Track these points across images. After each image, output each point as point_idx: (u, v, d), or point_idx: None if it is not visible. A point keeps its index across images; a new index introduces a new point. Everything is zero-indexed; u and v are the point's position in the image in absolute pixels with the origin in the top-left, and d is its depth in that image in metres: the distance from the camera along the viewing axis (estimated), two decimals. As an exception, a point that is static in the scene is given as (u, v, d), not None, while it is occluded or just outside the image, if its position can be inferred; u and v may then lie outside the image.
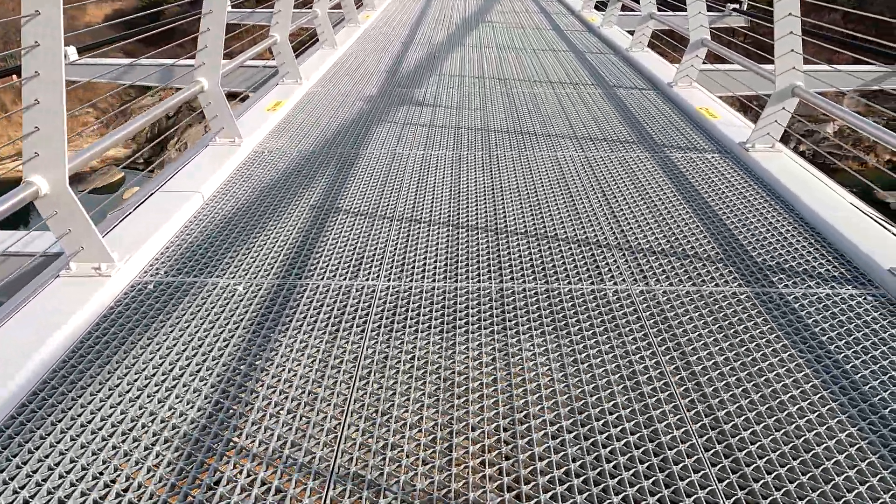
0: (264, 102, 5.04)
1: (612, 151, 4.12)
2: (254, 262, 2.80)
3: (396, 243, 2.96)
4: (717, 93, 5.60)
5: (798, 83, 3.69)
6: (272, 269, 2.75)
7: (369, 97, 5.43)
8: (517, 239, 3.01)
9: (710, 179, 3.67)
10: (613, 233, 3.07)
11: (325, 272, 2.72)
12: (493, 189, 3.57)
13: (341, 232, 3.07)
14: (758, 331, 2.32)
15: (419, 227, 3.12)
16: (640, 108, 5.03)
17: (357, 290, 2.59)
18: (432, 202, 3.39)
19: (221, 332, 2.32)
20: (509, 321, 2.39)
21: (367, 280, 2.66)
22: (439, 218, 3.22)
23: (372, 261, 2.80)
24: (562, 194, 3.49)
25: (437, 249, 2.92)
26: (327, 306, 2.48)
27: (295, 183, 3.65)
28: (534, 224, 3.17)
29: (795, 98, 3.74)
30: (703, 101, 5.03)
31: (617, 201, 3.42)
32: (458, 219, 3.20)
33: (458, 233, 3.07)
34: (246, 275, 2.69)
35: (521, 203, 3.39)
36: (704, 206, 3.35)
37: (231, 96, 4.97)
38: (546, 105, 5.17)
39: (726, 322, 2.37)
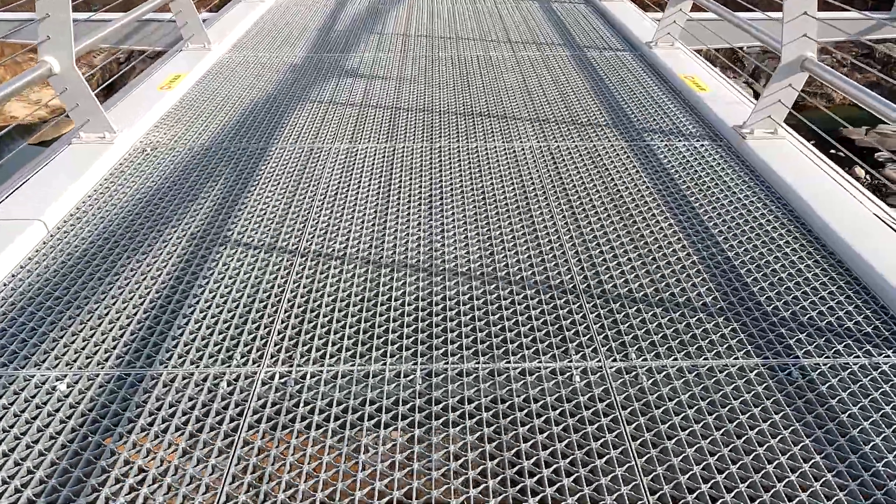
0: (158, 78, 4.16)
1: (579, 139, 3.41)
2: (90, 341, 2.05)
3: (294, 303, 2.24)
4: (708, 45, 4.92)
5: (809, 54, 3.02)
6: (114, 352, 2.01)
7: (292, 67, 4.58)
8: (459, 278, 2.33)
9: (698, 177, 3.00)
10: (579, 257, 2.40)
11: (185, 358, 1.99)
12: (431, 201, 2.85)
13: (221, 283, 2.33)
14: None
15: (330, 269, 2.40)
16: (613, 78, 4.30)
17: (228, 386, 1.88)
18: (350, 228, 2.66)
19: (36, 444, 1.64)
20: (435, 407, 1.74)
21: (246, 366, 1.95)
22: (359, 253, 2.50)
23: (255, 337, 2.08)
24: (517, 203, 2.79)
25: (351, 317, 2.21)
26: (184, 409, 1.78)
27: (176, 198, 2.86)
28: (483, 250, 2.47)
29: (805, 73, 3.09)
30: (688, 67, 4.32)
31: (582, 205, 2.74)
32: (383, 255, 2.49)
33: (379, 284, 2.35)
34: (74, 364, 1.95)
35: (466, 222, 2.68)
36: (692, 214, 2.69)
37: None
38: (503, 75, 4.40)
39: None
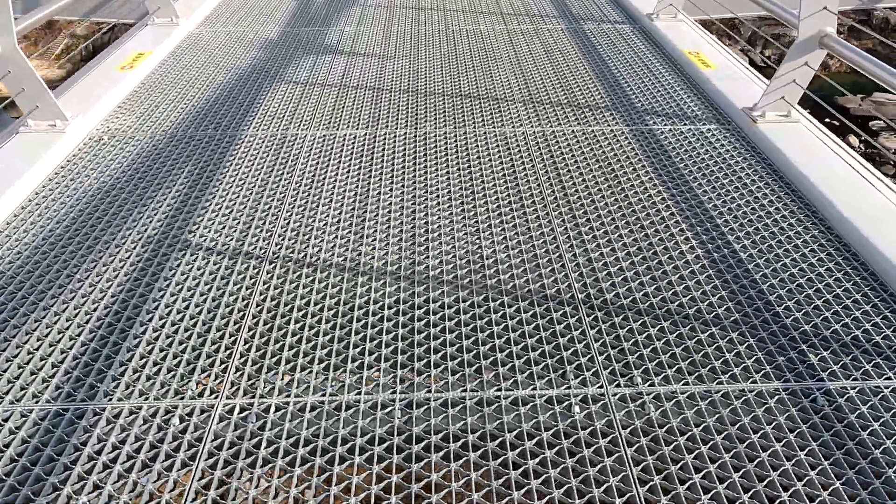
0: (119, 57, 3.86)
1: (576, 124, 3.16)
2: (25, 368, 1.81)
3: (260, 320, 2.00)
4: (711, 15, 4.65)
5: (829, 30, 2.78)
6: (52, 381, 1.77)
7: (267, 43, 4.27)
8: (445, 288, 2.09)
9: (706, 166, 2.77)
10: (577, 261, 2.17)
11: (133, 388, 1.76)
12: (415, 199, 2.60)
13: (178, 297, 2.08)
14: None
15: (301, 279, 2.16)
16: (612, 54, 4.02)
17: (181, 422, 1.65)
18: (325, 230, 2.42)
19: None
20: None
21: (202, 398, 1.72)
22: (333, 259, 2.26)
23: (214, 362, 1.85)
24: (509, 199, 2.55)
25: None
26: (129, 452, 1.56)
27: (133, 195, 2.60)
28: (471, 252, 2.24)
29: (823, 50, 2.85)
30: (692, 41, 4.05)
31: (580, 199, 2.50)
32: (360, 262, 2.24)
33: (356, 296, 2.11)
34: (6, 398, 1.72)
35: (453, 222, 2.44)
36: (700, 209, 2.46)
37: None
38: (495, 51, 4.12)
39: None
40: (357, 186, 2.67)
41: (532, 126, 3.16)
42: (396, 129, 3.15)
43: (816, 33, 2.77)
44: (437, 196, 2.60)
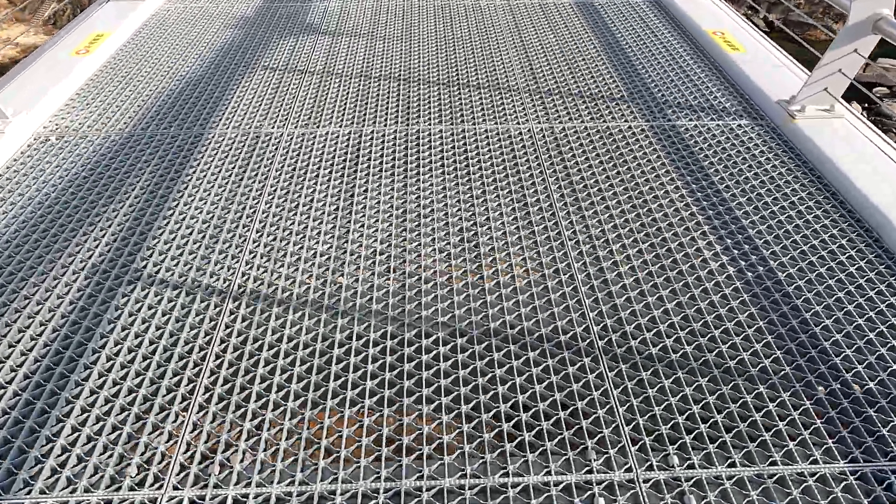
0: (74, 39, 3.46)
1: (588, 119, 2.80)
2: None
3: (219, 378, 1.69)
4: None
5: (885, 12, 2.42)
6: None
7: (242, 21, 3.87)
8: (440, 334, 1.78)
9: (737, 170, 2.43)
10: (596, 296, 1.85)
11: (59, 476, 1.46)
12: (405, 211, 2.26)
13: (123, 344, 1.77)
14: None
15: (271, 321, 1.83)
16: (627, 35, 3.63)
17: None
18: (300, 256, 2.09)
19: None
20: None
21: (142, 489, 1.41)
22: (308, 295, 1.93)
23: (161, 434, 1.55)
24: (514, 213, 2.22)
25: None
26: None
27: (79, 211, 2.26)
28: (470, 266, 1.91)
29: (876, 36, 2.49)
30: (715, 17, 3.67)
31: (597, 215, 2.16)
32: (340, 298, 1.92)
33: (334, 345, 1.79)
34: None
35: (450, 244, 2.11)
36: (734, 222, 2.14)
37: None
38: (496, 30, 3.74)
39: None
40: (339, 198, 2.32)
41: (536, 122, 2.81)
42: (385, 125, 2.80)
43: (869, 17, 2.42)
44: (432, 206, 2.27)
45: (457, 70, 3.28)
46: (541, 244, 2.10)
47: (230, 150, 2.61)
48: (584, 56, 3.40)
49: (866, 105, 7.11)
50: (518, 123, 2.81)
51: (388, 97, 3.02)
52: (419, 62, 3.36)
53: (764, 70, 3.02)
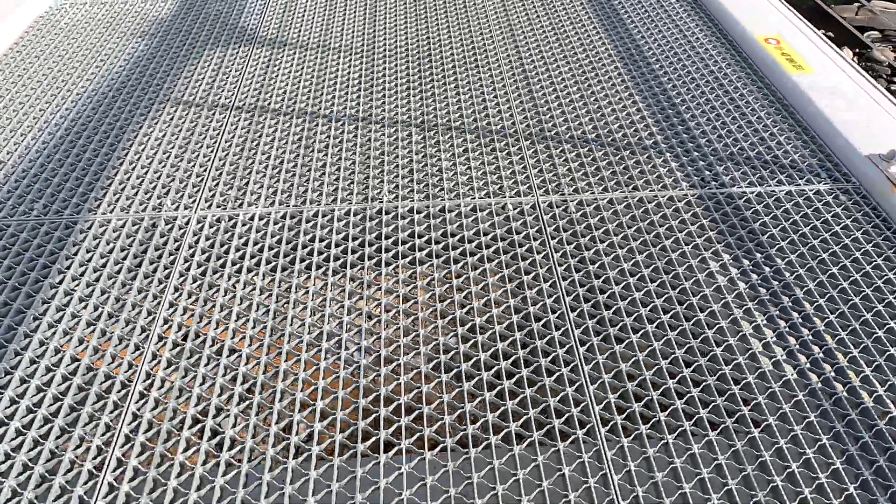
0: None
1: (599, 188, 2.09)
2: None
3: None
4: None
5: None
6: None
7: (157, 28, 3.06)
8: None
9: (818, 260, 1.75)
10: None
11: None
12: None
13: None
14: None
15: None
16: (657, 52, 2.85)
17: None
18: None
19: None
20: None
21: None
22: None
23: None
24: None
25: None
26: None
27: None
28: None
29: None
30: (773, 22, 2.88)
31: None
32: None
33: None
34: None
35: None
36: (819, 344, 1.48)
37: None
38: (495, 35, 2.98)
39: None
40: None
41: (546, 198, 2.13)
42: (348, 203, 2.10)
43: None
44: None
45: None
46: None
47: (114, 244, 1.92)
48: (591, 57, 2.69)
49: (857, 51, 6.47)
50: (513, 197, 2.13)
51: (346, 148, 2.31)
52: (390, 103, 2.63)
53: (846, 102, 2.32)
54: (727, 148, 2.24)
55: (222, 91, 2.58)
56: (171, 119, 2.41)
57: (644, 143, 2.28)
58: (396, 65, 2.73)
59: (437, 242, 1.92)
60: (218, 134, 2.34)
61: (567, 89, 2.58)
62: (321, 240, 1.92)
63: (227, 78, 2.66)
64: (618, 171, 2.16)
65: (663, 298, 1.73)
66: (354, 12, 3.15)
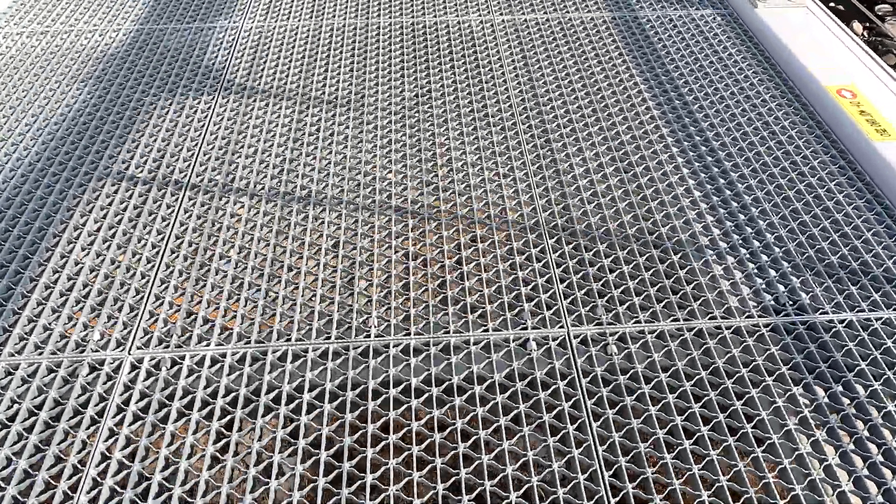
0: None
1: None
2: None
3: None
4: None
5: None
6: None
7: (108, 64, 2.58)
8: None
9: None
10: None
11: None
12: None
13: None
14: None
15: None
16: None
17: None
18: None
19: None
20: None
21: None
22: None
23: None
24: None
25: None
26: None
27: None
28: None
29: None
30: (832, 54, 2.46)
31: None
32: None
33: None
34: None
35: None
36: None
37: None
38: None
39: None
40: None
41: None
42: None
43: None
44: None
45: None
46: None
47: (20, 402, 1.51)
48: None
49: (867, 25, 6.01)
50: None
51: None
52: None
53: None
54: (803, 253, 1.82)
55: (175, 162, 2.13)
56: (108, 207, 1.99)
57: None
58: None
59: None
60: (164, 235, 1.92)
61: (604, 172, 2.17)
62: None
63: (183, 144, 2.21)
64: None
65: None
66: (341, 53, 2.70)
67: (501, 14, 2.83)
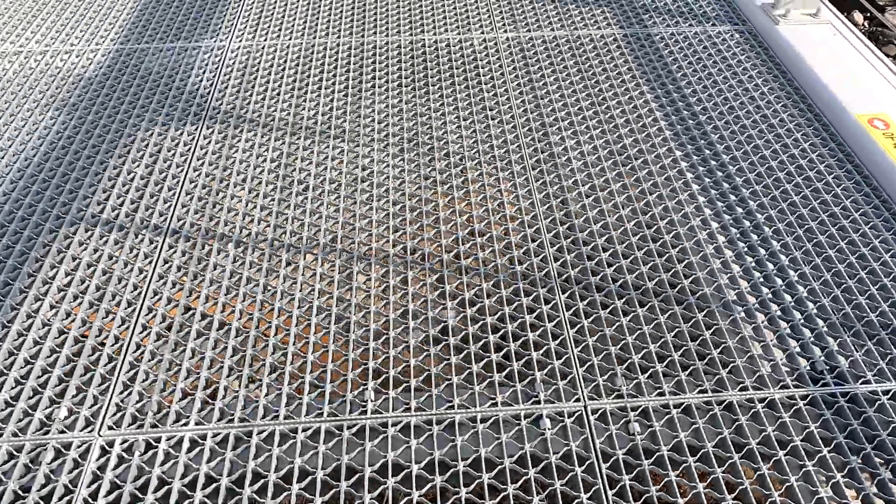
0: None
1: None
2: None
3: None
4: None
5: None
6: None
7: (84, 90, 2.40)
8: None
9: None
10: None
11: None
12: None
13: None
14: None
15: None
16: (728, 140, 2.26)
17: None
18: None
19: None
20: None
21: None
22: None
23: None
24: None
25: None
26: None
27: None
28: None
29: None
30: (861, 78, 2.27)
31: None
32: None
33: None
34: None
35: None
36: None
37: None
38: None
39: None
40: None
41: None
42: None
43: None
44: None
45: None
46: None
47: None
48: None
49: (868, 14, 5.86)
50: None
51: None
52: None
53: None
54: (840, 310, 1.66)
55: (154, 204, 1.95)
56: (80, 257, 1.81)
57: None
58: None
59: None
60: (140, 290, 1.77)
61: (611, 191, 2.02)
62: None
63: (164, 182, 2.03)
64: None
65: None
66: (335, 75, 2.54)
67: (506, 31, 2.67)
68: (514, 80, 2.45)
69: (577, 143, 2.17)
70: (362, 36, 2.71)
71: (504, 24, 2.75)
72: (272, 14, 2.85)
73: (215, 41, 2.67)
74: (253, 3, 2.93)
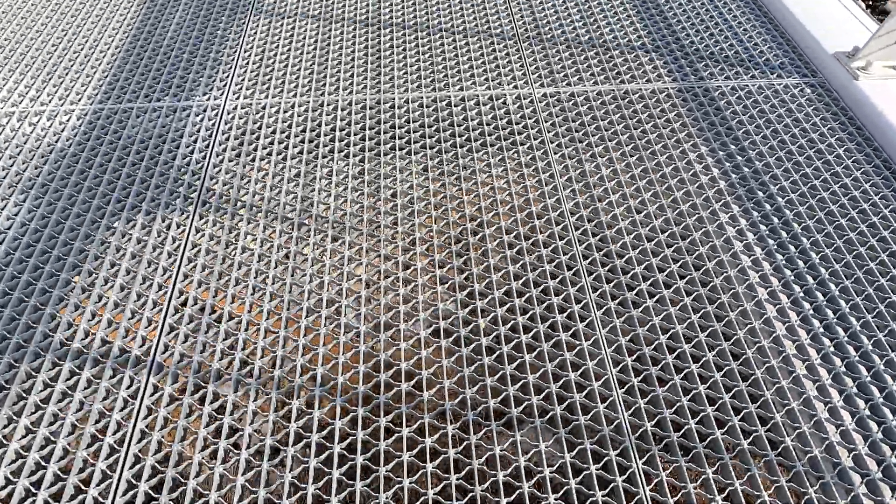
0: None
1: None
2: None
3: None
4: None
5: None
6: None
7: (58, 163, 2.07)
8: None
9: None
10: None
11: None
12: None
13: None
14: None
15: None
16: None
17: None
18: None
19: None
20: None
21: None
22: None
23: None
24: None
25: None
26: None
27: None
28: None
29: None
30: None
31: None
32: None
33: None
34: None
35: None
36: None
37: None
38: None
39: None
40: None
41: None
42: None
43: None
44: None
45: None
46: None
47: None
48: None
49: (870, 3, 5.57)
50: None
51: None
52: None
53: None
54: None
55: (137, 329, 1.60)
56: (45, 406, 1.46)
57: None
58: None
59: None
60: (119, 454, 1.41)
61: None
62: None
63: (147, 295, 1.67)
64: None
65: None
66: (349, 135, 2.16)
67: (543, 87, 2.36)
68: (554, 140, 2.13)
69: (623, 198, 1.86)
70: (378, 93, 2.35)
71: (541, 79, 2.42)
72: (273, 66, 2.50)
73: (209, 99, 2.29)
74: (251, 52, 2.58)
